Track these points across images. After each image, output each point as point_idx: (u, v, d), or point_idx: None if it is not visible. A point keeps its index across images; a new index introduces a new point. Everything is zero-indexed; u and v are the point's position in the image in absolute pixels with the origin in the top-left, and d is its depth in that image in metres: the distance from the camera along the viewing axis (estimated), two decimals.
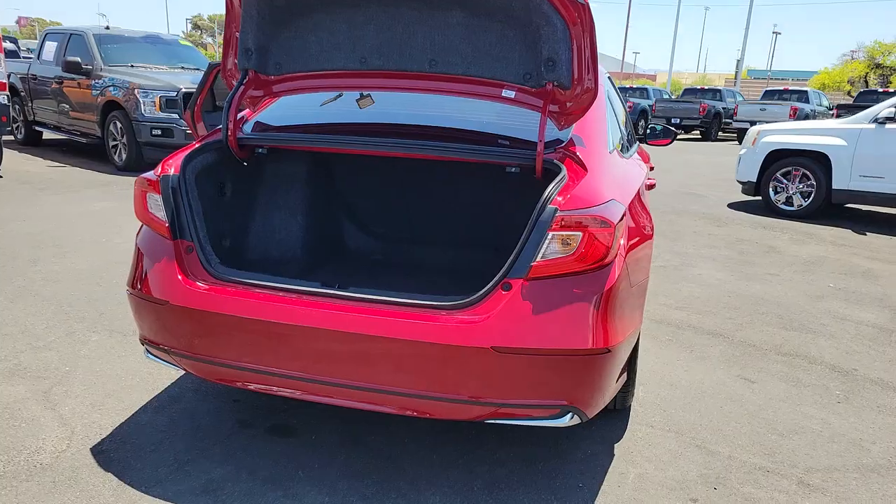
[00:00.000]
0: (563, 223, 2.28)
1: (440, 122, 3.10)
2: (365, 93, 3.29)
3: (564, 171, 2.48)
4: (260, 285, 2.48)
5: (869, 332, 4.67)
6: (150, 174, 2.76)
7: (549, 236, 2.28)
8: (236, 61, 2.97)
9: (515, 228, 3.60)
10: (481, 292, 2.33)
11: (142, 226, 2.82)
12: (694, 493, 2.68)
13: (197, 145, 2.90)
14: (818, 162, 8.66)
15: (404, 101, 3.22)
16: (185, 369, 2.67)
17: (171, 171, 2.70)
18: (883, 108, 8.37)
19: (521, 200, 3.50)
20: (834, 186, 8.56)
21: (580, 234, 2.28)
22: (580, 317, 2.29)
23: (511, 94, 2.76)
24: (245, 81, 2.96)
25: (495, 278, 2.34)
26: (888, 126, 8.22)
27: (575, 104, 2.70)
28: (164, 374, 3.47)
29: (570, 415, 2.37)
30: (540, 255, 2.28)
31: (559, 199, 2.34)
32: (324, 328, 2.33)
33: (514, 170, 2.79)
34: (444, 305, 2.33)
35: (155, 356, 2.75)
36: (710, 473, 2.83)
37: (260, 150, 3.13)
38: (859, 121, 8.56)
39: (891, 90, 24.73)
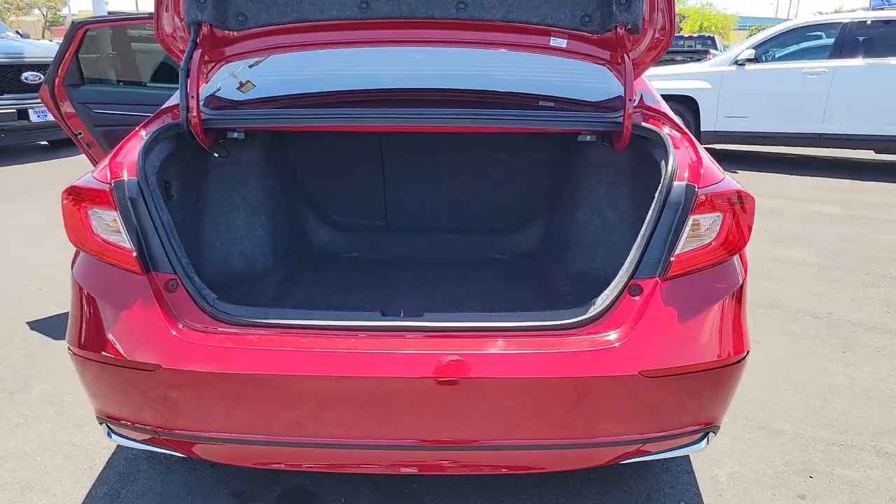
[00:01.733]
0: (705, 204, 1.81)
1: (463, 84, 2.48)
2: (244, 80, 2.58)
3: (668, 139, 2.00)
4: (302, 326, 1.77)
5: (812, 271, 4.75)
6: (88, 181, 1.88)
7: (690, 222, 1.80)
8: (181, 15, 2.12)
9: (541, 207, 3.11)
10: (606, 301, 1.81)
11: (78, 253, 1.96)
12: (797, 488, 2.41)
13: (145, 134, 2.04)
14: (687, 105, 8.91)
15: (415, 57, 2.55)
16: (184, 454, 1.90)
17: (125, 174, 1.85)
18: (742, 50, 8.75)
19: (550, 175, 3.00)
20: (702, 128, 8.87)
21: (720, 215, 1.83)
22: (724, 319, 1.86)
23: (562, 42, 2.22)
24: (199, 40, 2.13)
25: (618, 280, 1.83)
26: (747, 67, 8.60)
27: (644, 52, 2.21)
28: (97, 442, 2.59)
29: (707, 437, 1.96)
30: (680, 245, 1.80)
31: (683, 173, 1.87)
32: (418, 377, 1.69)
33: (588, 138, 2.27)
34: (567, 324, 1.79)
35: (127, 438, 1.94)
36: (795, 460, 2.57)
37: (236, 134, 2.32)
38: (721, 63, 8.90)
39: (695, 35, 26.87)
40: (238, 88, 2.58)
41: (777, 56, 8.75)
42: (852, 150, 9.10)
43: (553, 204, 2.95)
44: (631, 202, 2.56)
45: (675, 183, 1.83)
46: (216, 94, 2.41)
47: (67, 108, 3.68)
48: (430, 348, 1.72)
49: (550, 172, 2.94)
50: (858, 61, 8.07)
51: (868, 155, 9.14)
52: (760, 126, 8.63)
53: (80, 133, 3.71)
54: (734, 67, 8.69)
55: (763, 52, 8.71)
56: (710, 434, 1.96)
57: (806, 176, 8.33)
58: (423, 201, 3.11)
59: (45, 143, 9.42)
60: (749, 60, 8.60)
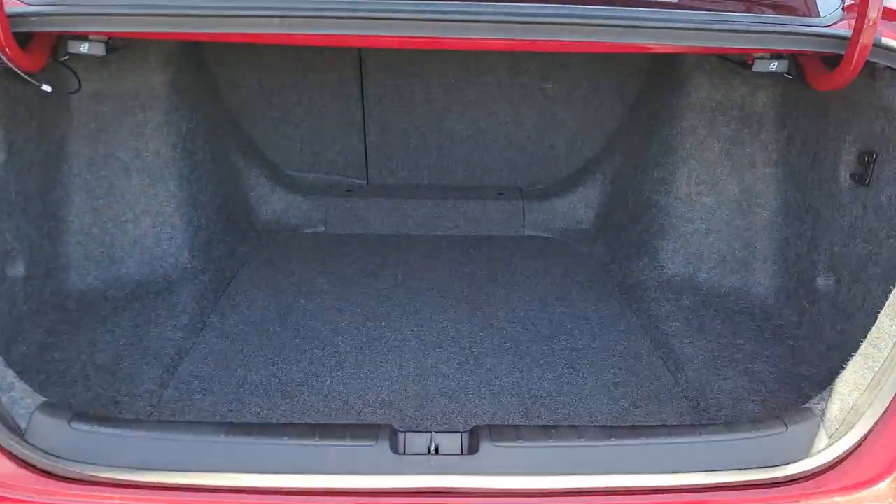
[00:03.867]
0: None
1: None
2: None
3: None
4: (238, 489, 0.84)
5: None
6: None
7: None
8: None
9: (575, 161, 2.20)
10: (856, 415, 0.91)
11: None
12: None
13: None
14: None
15: None
16: None
17: None
18: None
19: (619, 115, 2.07)
20: None
21: None
22: None
23: None
24: None
25: (867, 358, 0.94)
26: None
27: None
28: None
29: None
30: None
31: None
32: None
33: (773, 67, 1.32)
34: (790, 477, 0.89)
35: None
36: None
37: (86, 45, 1.26)
38: None
39: None
40: None
41: None
42: None
43: (622, 159, 2.01)
44: (771, 174, 1.63)
45: None
46: None
47: None
48: None
49: (620, 111, 1.98)
50: None
51: None
52: None
53: None
54: None
55: None
56: None
57: None
58: (421, 149, 2.13)
59: None
60: None
